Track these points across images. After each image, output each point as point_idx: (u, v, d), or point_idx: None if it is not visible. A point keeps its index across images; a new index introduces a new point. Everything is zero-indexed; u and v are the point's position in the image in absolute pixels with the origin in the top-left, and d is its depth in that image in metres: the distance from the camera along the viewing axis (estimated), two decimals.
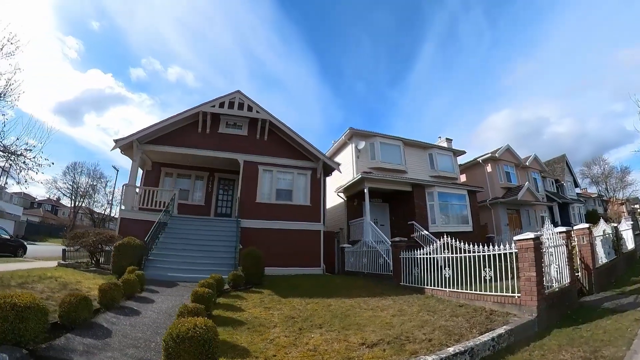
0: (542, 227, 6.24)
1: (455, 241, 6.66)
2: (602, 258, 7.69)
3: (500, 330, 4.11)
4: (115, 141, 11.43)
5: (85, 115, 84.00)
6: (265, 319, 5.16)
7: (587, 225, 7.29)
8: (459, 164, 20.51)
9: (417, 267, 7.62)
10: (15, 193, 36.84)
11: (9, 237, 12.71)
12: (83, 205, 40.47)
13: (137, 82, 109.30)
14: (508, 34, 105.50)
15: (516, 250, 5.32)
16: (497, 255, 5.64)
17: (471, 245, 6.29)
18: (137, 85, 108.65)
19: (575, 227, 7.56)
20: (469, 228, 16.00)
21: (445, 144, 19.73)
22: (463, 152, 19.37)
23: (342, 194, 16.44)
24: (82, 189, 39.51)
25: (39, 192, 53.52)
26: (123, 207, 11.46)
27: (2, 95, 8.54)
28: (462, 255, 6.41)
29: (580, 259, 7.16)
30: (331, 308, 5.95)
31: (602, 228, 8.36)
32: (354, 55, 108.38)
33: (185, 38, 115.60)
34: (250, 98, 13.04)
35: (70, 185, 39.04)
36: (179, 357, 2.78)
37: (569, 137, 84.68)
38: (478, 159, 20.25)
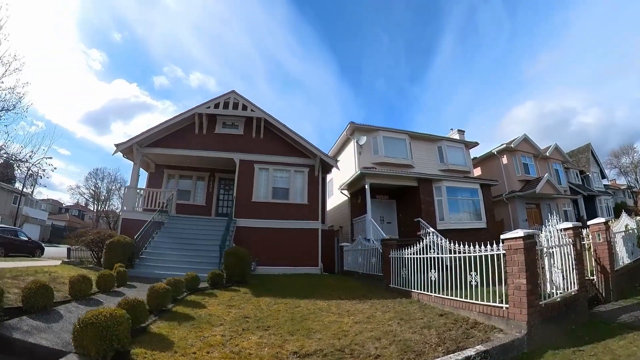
0: (562, 221, 5.26)
1: (453, 243, 5.74)
2: (623, 258, 6.42)
3: (471, 351, 3.27)
4: (116, 145, 11.44)
5: (112, 124, 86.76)
6: (217, 317, 4.85)
7: (603, 219, 6.06)
8: (472, 157, 19.05)
9: (405, 268, 6.78)
10: (44, 200, 39.29)
11: (27, 239, 13.28)
12: (104, 208, 42.64)
13: (161, 89, 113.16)
14: (528, 23, 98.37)
15: (504, 252, 4.39)
16: (489, 256, 4.73)
17: (465, 245, 5.39)
18: (161, 93, 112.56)
19: (589, 223, 6.37)
20: (481, 224, 14.67)
21: (457, 136, 18.35)
22: (475, 144, 17.87)
23: (345, 191, 15.69)
24: (102, 194, 41.60)
25: (67, 198, 56.71)
26: (125, 208, 11.48)
27: (12, 107, 8.73)
28: (451, 255, 5.52)
29: (595, 260, 6.00)
30: (296, 310, 5.40)
31: (625, 222, 7.02)
32: (373, 53, 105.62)
33: (204, 44, 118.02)
34: (245, 97, 12.61)
35: (92, 190, 41.21)
36: (83, 339, 3.09)
37: (596, 128, 77.28)
38: (493, 151, 18.60)
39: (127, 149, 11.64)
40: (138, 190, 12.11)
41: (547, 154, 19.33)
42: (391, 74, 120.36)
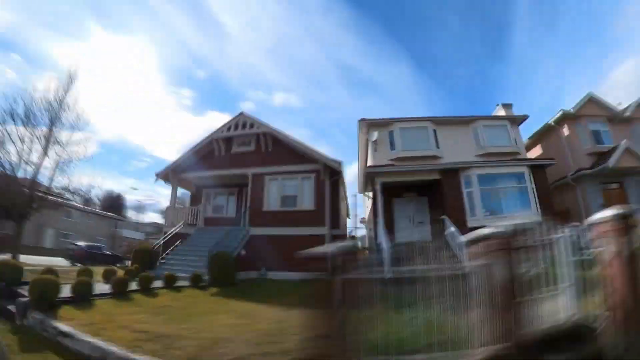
0: None
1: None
2: None
3: None
4: (156, 174, 13.88)
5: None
6: (148, 303, 6.18)
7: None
8: (530, 134, 15.84)
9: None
10: (148, 223, 48.57)
11: (110, 253, 17.60)
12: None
13: (250, 113, 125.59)
14: None
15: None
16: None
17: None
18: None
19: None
20: (532, 217, 12.07)
21: (503, 112, 15.55)
22: (524, 118, 14.64)
23: (369, 194, 15.10)
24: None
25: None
26: (165, 224, 13.78)
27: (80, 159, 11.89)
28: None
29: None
30: (202, 306, 6.32)
31: None
32: (446, 39, 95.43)
33: (279, 65, 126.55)
34: (253, 116, 13.66)
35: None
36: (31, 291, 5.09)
37: None
38: (551, 122, 14.93)
39: (165, 175, 13.95)
40: (176, 207, 14.34)
41: (628, 114, 14.20)
42: (469, 58, 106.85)
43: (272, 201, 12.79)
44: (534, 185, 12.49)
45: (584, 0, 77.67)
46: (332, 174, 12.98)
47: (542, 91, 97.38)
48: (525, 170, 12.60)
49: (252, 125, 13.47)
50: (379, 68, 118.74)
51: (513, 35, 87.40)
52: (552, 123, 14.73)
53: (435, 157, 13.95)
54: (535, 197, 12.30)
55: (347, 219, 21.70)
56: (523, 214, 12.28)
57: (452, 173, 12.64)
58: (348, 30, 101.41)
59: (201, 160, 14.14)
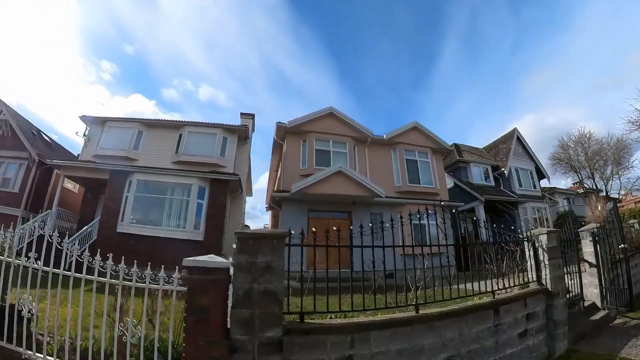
0: None
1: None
2: None
3: None
4: None
5: None
6: None
7: None
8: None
9: None
10: None
11: None
12: None
13: (170, 102, 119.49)
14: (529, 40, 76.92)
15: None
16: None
17: None
18: (171, 106, 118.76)
19: None
20: (195, 235, 11.57)
21: (240, 122, 15.02)
22: (245, 129, 14.33)
23: None
24: None
25: None
26: None
27: None
28: None
29: None
30: None
31: None
32: (374, 60, 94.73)
33: (211, 57, 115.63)
34: None
35: None
36: None
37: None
38: (275, 138, 14.44)
39: None
40: None
41: (391, 137, 14.22)
42: (393, 81, 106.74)
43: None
44: (207, 200, 12.18)
45: (504, 52, 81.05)
46: None
47: (452, 125, 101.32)
48: (195, 182, 12.22)
49: None
50: (309, 77, 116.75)
51: (437, 69, 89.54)
52: (275, 138, 14.08)
53: (129, 159, 13.46)
54: (204, 214, 11.95)
55: None
56: (183, 230, 11.76)
57: (119, 175, 12.17)
58: (283, 32, 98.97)
59: None
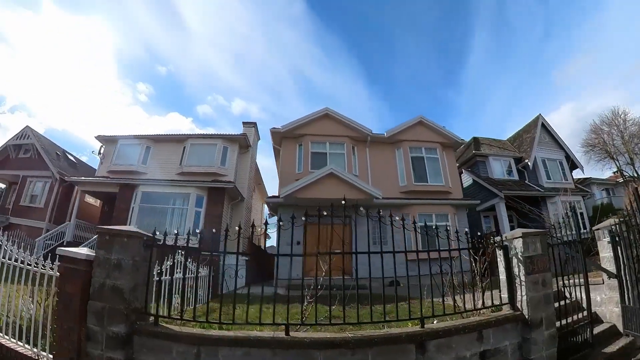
0: None
1: None
2: None
3: None
4: None
5: None
6: None
7: None
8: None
9: None
10: None
11: None
12: None
13: (204, 118, 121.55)
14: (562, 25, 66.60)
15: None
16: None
17: None
18: (205, 122, 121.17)
19: None
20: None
21: (246, 130, 15.02)
22: (242, 137, 14.18)
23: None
24: None
25: None
26: None
27: None
28: None
29: None
30: None
31: None
32: (403, 60, 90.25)
33: (241, 71, 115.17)
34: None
35: None
36: None
37: None
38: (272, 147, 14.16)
39: None
40: None
41: (393, 134, 13.12)
42: (423, 80, 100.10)
43: None
44: (205, 210, 12.28)
45: (534, 42, 72.64)
46: None
47: (487, 120, 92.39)
48: (192, 191, 12.34)
49: None
50: (337, 82, 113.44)
51: (467, 64, 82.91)
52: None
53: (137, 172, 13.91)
54: (202, 222, 12.03)
55: None
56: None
57: (128, 188, 12.64)
58: (309, 41, 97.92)
59: None
